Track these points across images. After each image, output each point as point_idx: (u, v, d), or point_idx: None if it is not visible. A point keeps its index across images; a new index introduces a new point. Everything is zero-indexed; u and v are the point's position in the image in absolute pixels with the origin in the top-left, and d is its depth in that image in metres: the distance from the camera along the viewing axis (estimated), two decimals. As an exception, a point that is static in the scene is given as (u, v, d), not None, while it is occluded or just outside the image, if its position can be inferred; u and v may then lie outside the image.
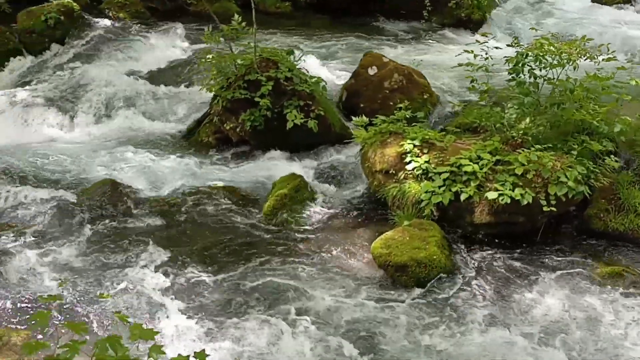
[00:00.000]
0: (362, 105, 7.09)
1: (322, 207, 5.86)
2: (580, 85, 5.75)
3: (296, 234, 5.45)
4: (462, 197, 5.22)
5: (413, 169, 5.49)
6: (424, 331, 4.36)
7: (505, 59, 5.97)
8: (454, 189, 5.27)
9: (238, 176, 6.44)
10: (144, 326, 2.48)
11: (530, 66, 5.87)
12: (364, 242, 5.32)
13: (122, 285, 4.71)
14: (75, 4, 9.49)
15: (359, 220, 5.71)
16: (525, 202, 5.07)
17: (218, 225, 5.59)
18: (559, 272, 4.92)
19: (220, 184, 6.21)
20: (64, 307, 4.42)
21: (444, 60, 8.53)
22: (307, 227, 5.56)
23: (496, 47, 6.36)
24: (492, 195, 5.12)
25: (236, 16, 6.87)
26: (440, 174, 5.36)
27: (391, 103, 6.77)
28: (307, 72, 7.05)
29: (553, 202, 5.11)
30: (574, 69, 5.83)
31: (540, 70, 5.86)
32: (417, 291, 4.74)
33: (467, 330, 4.37)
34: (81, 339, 2.48)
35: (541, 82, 5.88)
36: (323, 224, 5.62)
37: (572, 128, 5.67)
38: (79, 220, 5.53)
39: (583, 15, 10.92)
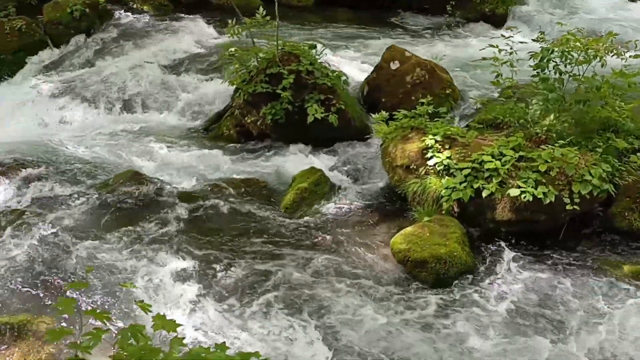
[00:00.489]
0: (383, 99, 7.05)
1: (342, 201, 5.85)
2: (607, 82, 5.65)
3: (315, 228, 5.46)
4: (484, 193, 5.17)
5: (434, 165, 5.45)
6: (443, 329, 4.34)
7: (530, 54, 5.89)
8: (475, 186, 5.22)
9: (258, 169, 6.46)
10: (167, 317, 2.51)
11: (555, 62, 5.78)
12: (383, 237, 5.31)
13: (145, 275, 4.78)
14: (100, -4, 9.60)
15: (379, 215, 5.69)
16: (547, 201, 5.01)
17: (238, 218, 5.62)
18: (581, 271, 4.86)
19: (241, 176, 6.24)
20: (88, 294, 4.49)
21: (467, 55, 8.44)
22: (326, 221, 5.56)
23: (521, 42, 6.27)
24: (514, 192, 5.07)
25: (260, 9, 6.87)
26: (461, 169, 5.32)
27: (413, 98, 6.73)
28: (329, 65, 7.03)
29: (577, 200, 5.04)
30: (602, 66, 5.73)
31: (566, 66, 5.77)
32: (437, 288, 4.72)
33: (487, 329, 4.34)
34: (104, 327, 2.52)
35: (566, 78, 5.80)
36: (342, 218, 5.62)
37: (597, 125, 5.58)
38: (103, 210, 5.60)
39: (613, 10, 10.69)
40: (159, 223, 5.45)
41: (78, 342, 2.44)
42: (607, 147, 5.36)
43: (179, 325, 2.54)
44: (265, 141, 6.98)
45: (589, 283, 4.74)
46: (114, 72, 8.25)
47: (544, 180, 5.10)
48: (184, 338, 2.49)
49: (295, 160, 6.56)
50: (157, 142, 6.93)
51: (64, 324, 4.06)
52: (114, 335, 2.50)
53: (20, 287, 4.64)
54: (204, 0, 10.47)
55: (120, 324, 4.19)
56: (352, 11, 10.68)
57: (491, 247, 5.16)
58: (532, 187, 5.05)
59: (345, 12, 10.66)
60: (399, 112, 6.07)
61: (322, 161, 6.55)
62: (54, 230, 5.26)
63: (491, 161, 5.26)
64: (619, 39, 5.98)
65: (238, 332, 4.27)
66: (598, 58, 5.71)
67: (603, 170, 5.10)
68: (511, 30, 6.31)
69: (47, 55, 8.96)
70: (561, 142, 5.29)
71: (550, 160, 5.14)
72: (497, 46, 5.96)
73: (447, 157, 5.43)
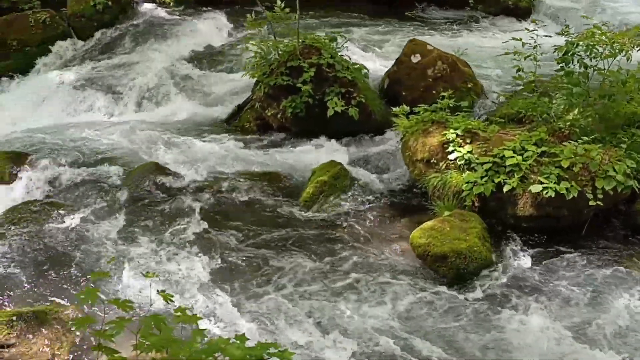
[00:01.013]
0: (403, 93, 7.01)
1: (361, 194, 5.85)
2: (632, 76, 5.55)
3: (335, 221, 5.46)
4: (505, 188, 5.12)
5: (455, 159, 5.42)
6: (463, 325, 4.31)
7: (554, 47, 5.81)
8: (496, 180, 5.17)
9: (278, 162, 6.48)
10: (188, 312, 2.54)
11: (580, 56, 5.69)
12: (403, 231, 5.29)
13: (165, 265, 4.83)
14: (123, -11, 9.68)
15: (398, 209, 5.68)
16: (570, 196, 4.94)
17: (257, 210, 5.64)
18: (604, 269, 4.79)
19: (261, 169, 6.27)
20: (110, 284, 4.56)
21: (489, 49, 8.35)
22: (345, 215, 5.56)
23: (546, 36, 6.18)
24: (536, 188, 5.01)
25: (279, 2, 6.87)
26: (482, 164, 5.28)
27: (434, 91, 6.68)
28: (349, 59, 7.01)
29: (600, 196, 4.97)
30: (627, 60, 5.63)
31: (591, 60, 5.68)
32: (457, 283, 4.69)
33: (508, 325, 4.31)
34: (126, 315, 2.55)
35: (591, 72, 5.70)
36: (362, 212, 5.62)
37: (622, 120, 5.49)
38: (125, 201, 5.68)
39: (640, 3, 10.48)
40: (179, 214, 5.49)
41: (102, 330, 2.48)
42: (632, 142, 5.26)
43: (200, 318, 2.58)
44: (285, 134, 6.99)
45: (611, 280, 4.68)
46: (135, 64, 8.34)
47: (566, 176, 5.03)
48: (204, 330, 2.52)
49: (314, 154, 6.56)
50: (178, 134, 6.99)
51: (87, 313, 4.13)
52: (136, 324, 2.53)
53: (43, 276, 4.72)
54: (225, -8, 10.50)
55: (142, 314, 4.24)
56: (372, 4, 10.62)
57: (512, 243, 5.12)
58: (554, 182, 4.99)
59: (365, 4, 10.60)
60: (419, 106, 6.03)
61: (342, 154, 6.54)
62: (76, 220, 5.34)
63: (513, 156, 5.21)
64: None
65: (255, 324, 4.29)
66: (624, 52, 5.61)
67: (627, 166, 5.01)
68: (535, 24, 6.22)
69: (71, 47, 9.08)
70: (585, 138, 5.21)
71: (573, 156, 5.07)
72: (521, 39, 5.88)
73: (468, 152, 5.39)
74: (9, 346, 3.87)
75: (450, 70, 7.02)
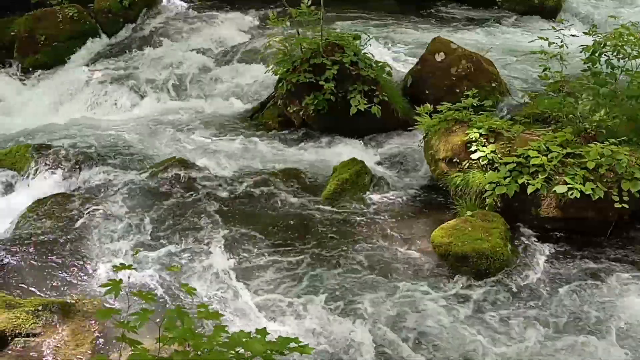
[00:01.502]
0: (427, 91, 6.97)
1: (383, 193, 5.84)
2: (662, 77, 5.46)
3: (356, 219, 5.46)
4: (529, 189, 5.07)
5: (478, 159, 5.37)
6: (485, 328, 4.28)
7: (581, 47, 5.73)
8: (520, 181, 5.12)
9: (299, 159, 6.50)
10: (210, 309, 2.57)
11: (607, 56, 5.60)
12: (424, 230, 5.27)
13: (188, 259, 4.88)
14: (149, -15, 9.78)
15: (420, 208, 5.65)
16: (596, 197, 4.87)
17: (279, 207, 5.67)
18: (630, 272, 4.71)
19: (282, 165, 6.29)
20: (134, 276, 4.62)
21: (514, 48, 8.26)
22: (366, 213, 5.55)
23: (573, 35, 6.09)
24: (561, 189, 4.95)
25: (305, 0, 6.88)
26: (506, 164, 5.23)
27: (458, 90, 6.62)
28: (373, 56, 6.99)
29: (626, 199, 4.89)
30: (656, 61, 5.53)
31: (619, 60, 5.59)
32: (478, 283, 4.66)
33: (529, 329, 4.27)
34: (150, 308, 2.59)
35: (619, 73, 5.61)
36: (383, 210, 5.61)
37: (651, 122, 5.40)
38: (149, 195, 5.74)
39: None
40: (202, 209, 5.54)
41: (125, 321, 2.53)
42: (660, 145, 5.18)
43: (222, 315, 2.61)
44: (307, 131, 7.00)
45: (636, 285, 4.60)
46: (161, 59, 8.43)
47: (591, 177, 4.96)
48: (226, 326, 2.55)
49: (336, 151, 6.57)
50: (202, 130, 7.06)
51: (111, 304, 4.20)
52: (158, 316, 2.56)
53: (68, 268, 4.80)
54: (250, -12, 10.54)
55: (166, 307, 4.29)
56: (397, 2, 10.57)
57: (535, 244, 5.06)
58: (579, 183, 4.92)
59: (390, 3, 10.56)
60: (442, 104, 5.99)
61: (363, 152, 6.53)
62: (101, 214, 5.42)
63: (537, 156, 5.15)
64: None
65: (275, 319, 4.32)
66: (653, 52, 5.51)
67: (655, 168, 4.93)
68: (562, 23, 6.14)
69: (98, 42, 9.21)
70: (611, 140, 5.13)
71: (599, 158, 4.99)
72: (547, 39, 5.80)
73: (492, 151, 5.35)
74: (34, 335, 3.96)
75: (474, 69, 6.97)
